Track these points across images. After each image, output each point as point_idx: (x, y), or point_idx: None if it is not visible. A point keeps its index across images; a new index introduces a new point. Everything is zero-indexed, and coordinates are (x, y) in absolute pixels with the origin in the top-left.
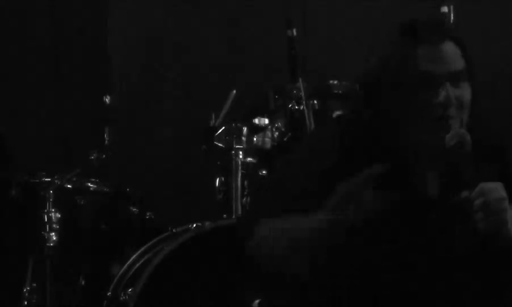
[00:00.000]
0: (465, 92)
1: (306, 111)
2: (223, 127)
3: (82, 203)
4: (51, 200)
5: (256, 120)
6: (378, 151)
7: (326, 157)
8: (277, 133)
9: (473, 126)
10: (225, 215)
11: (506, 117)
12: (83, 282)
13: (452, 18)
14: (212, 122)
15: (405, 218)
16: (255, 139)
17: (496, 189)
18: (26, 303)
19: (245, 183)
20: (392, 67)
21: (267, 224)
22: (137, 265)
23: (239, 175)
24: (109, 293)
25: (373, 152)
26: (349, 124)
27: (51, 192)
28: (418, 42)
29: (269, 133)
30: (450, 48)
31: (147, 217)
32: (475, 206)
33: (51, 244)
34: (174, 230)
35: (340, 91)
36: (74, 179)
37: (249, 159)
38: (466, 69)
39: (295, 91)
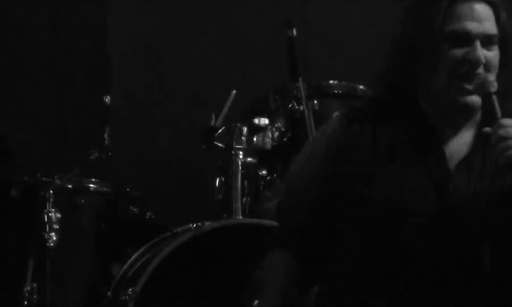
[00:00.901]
0: (495, 56)
1: (306, 111)
2: (223, 127)
3: (82, 203)
4: (51, 200)
5: (256, 120)
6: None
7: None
8: (277, 133)
9: (500, 93)
10: (225, 215)
11: None
12: (83, 282)
13: None
14: (212, 122)
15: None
16: (255, 139)
17: None
18: (26, 303)
19: (245, 183)
20: (427, 23)
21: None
22: (137, 265)
23: (239, 175)
24: (109, 293)
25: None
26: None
27: (51, 192)
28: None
29: (269, 133)
30: (485, 10)
31: (147, 217)
32: (494, 139)
33: (51, 244)
34: (174, 230)
35: (340, 91)
36: (74, 179)
37: (249, 159)
38: (498, 35)
39: (295, 91)
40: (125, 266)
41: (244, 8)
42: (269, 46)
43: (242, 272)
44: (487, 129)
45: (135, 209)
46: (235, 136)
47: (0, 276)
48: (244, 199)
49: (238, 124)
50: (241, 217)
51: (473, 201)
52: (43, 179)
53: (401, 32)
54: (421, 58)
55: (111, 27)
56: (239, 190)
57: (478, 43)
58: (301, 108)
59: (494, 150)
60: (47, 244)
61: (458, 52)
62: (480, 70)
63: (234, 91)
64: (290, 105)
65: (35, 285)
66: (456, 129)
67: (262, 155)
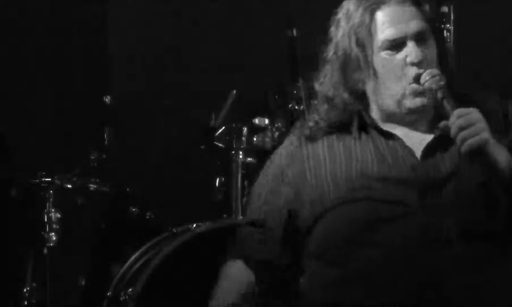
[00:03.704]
0: (432, 49)
1: (306, 111)
2: (223, 127)
3: (82, 203)
4: (51, 200)
5: (256, 120)
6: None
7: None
8: (277, 133)
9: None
10: (225, 215)
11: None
12: (83, 282)
13: (452, 18)
14: (212, 122)
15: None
16: (255, 139)
17: (472, 111)
18: (26, 303)
19: (245, 183)
20: (358, 39)
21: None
22: (137, 265)
23: (239, 175)
24: (109, 293)
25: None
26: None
27: (51, 192)
28: (376, 8)
29: (269, 133)
30: (408, 9)
31: (147, 217)
32: (454, 129)
33: (51, 244)
34: (174, 230)
35: None
36: (74, 179)
37: (249, 159)
38: (428, 28)
39: (295, 91)
40: (125, 266)
41: (244, 8)
42: (269, 46)
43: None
44: (443, 123)
45: (135, 209)
46: (235, 136)
47: (0, 276)
48: (244, 199)
49: (238, 124)
50: (241, 217)
51: (443, 186)
52: (43, 179)
53: (333, 48)
54: (362, 71)
55: (111, 27)
56: (239, 190)
57: (412, 44)
58: (301, 108)
59: (456, 141)
60: (47, 244)
61: (397, 57)
62: (424, 67)
63: (234, 91)
64: (290, 105)
65: (35, 285)
66: (410, 127)
67: (262, 155)
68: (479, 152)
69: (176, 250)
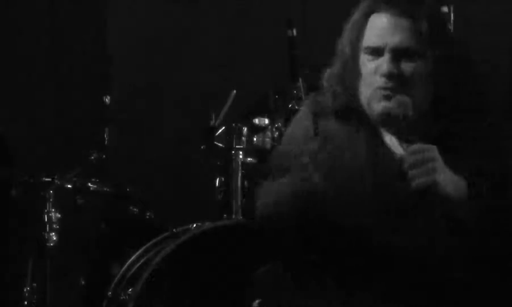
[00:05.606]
0: (414, 68)
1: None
2: (223, 127)
3: (82, 203)
4: (51, 200)
5: (256, 120)
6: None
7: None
8: (277, 133)
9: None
10: (225, 215)
11: (504, 117)
12: (83, 282)
13: (452, 18)
14: (212, 122)
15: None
16: (255, 139)
17: (428, 149)
18: (26, 303)
19: (245, 183)
20: (348, 37)
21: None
22: (137, 265)
23: (239, 175)
24: (109, 293)
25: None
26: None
27: (51, 192)
28: (371, 12)
29: (269, 133)
30: (401, 22)
31: (147, 217)
32: (405, 165)
33: (51, 244)
34: (174, 230)
35: None
36: (74, 179)
37: (249, 159)
38: (416, 47)
39: (295, 91)
40: (125, 266)
41: (244, 8)
42: (269, 46)
43: (242, 272)
44: (399, 155)
45: (135, 209)
46: (235, 136)
47: (0, 276)
48: (244, 199)
49: (238, 124)
50: (241, 217)
51: (413, 209)
52: (43, 179)
53: (340, 42)
54: (350, 69)
55: (111, 27)
56: (239, 190)
57: (388, 56)
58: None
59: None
60: (47, 244)
61: (372, 64)
62: (393, 83)
63: (234, 91)
64: (290, 105)
65: (35, 285)
66: (392, 133)
67: (262, 155)
68: (426, 192)
69: (176, 250)
